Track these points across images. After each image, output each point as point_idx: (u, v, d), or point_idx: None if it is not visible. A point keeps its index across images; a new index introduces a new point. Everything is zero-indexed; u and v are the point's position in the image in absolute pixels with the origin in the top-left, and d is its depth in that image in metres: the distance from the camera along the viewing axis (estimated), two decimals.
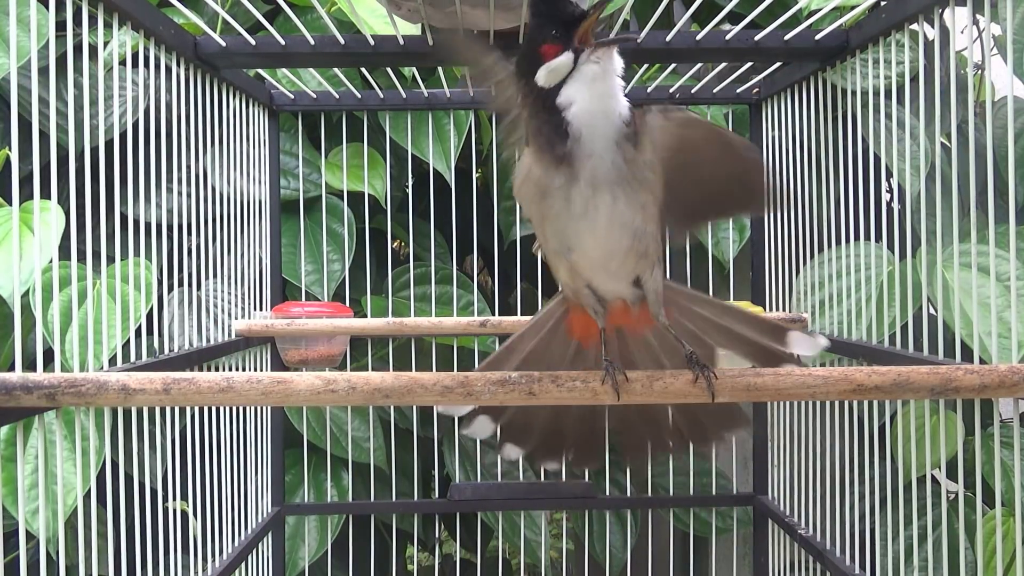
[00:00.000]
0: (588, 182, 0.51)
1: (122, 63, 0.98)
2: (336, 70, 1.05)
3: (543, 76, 0.51)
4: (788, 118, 1.01)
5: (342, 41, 0.80)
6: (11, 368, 0.55)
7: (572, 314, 0.61)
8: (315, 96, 1.09)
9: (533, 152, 0.52)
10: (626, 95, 0.52)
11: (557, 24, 0.51)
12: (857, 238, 0.90)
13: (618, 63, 0.52)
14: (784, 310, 1.04)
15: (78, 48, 0.64)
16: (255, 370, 1.04)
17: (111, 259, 1.08)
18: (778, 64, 1.01)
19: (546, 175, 0.52)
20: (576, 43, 0.51)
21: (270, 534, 1.08)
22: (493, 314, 1.30)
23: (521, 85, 0.52)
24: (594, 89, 0.51)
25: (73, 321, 0.69)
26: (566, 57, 0.51)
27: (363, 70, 1.15)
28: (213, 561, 0.91)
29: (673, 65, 1.10)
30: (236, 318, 1.00)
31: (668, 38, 0.81)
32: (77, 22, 0.63)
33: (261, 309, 1.06)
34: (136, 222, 0.78)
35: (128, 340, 0.77)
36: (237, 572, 0.94)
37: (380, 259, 1.29)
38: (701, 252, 1.26)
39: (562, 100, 0.51)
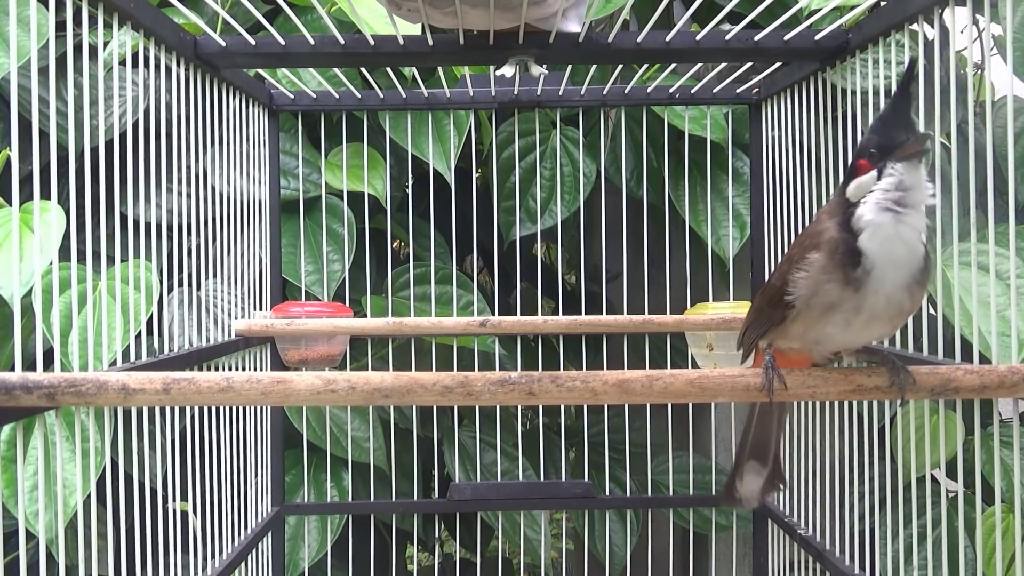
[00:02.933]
0: (869, 313, 0.52)
1: (122, 63, 0.98)
2: (336, 70, 1.05)
3: (852, 189, 0.52)
4: (788, 118, 1.01)
5: (342, 41, 0.80)
6: (11, 368, 0.55)
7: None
8: (315, 96, 1.09)
9: (828, 257, 0.52)
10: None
11: (880, 142, 0.52)
12: None
13: (929, 192, 0.51)
14: None
15: (78, 48, 0.64)
16: (255, 370, 1.04)
17: (111, 259, 1.08)
18: (778, 64, 1.01)
19: (838, 293, 0.52)
20: (883, 164, 0.51)
21: (270, 534, 1.08)
22: (493, 314, 1.30)
23: (842, 184, 0.53)
24: (885, 211, 0.51)
25: (74, 324, 0.69)
26: (871, 175, 0.51)
27: (363, 70, 1.15)
28: (213, 561, 0.91)
29: (673, 65, 1.10)
30: (236, 318, 1.00)
31: (668, 38, 0.81)
32: (77, 22, 0.63)
33: (261, 309, 1.06)
34: (136, 222, 0.78)
35: (129, 339, 0.77)
36: (237, 572, 0.94)
37: (380, 259, 1.29)
38: (701, 251, 1.26)
39: (856, 222, 0.51)
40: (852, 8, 0.85)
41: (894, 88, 0.56)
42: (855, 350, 0.59)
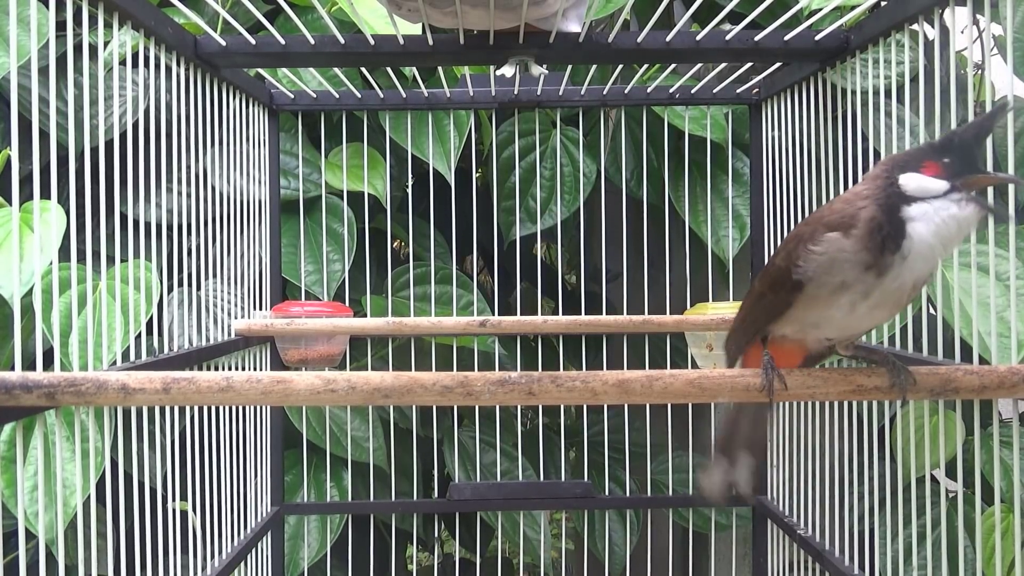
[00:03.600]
0: (878, 299, 0.53)
1: (122, 63, 0.98)
2: (336, 70, 1.05)
3: (913, 184, 0.52)
4: (788, 118, 1.01)
5: (342, 41, 0.80)
6: (11, 368, 0.55)
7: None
8: (315, 96, 1.09)
9: (858, 237, 0.53)
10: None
11: (957, 157, 0.52)
12: None
13: (978, 212, 0.52)
14: None
15: (78, 48, 0.64)
16: (255, 370, 1.04)
17: (111, 259, 1.08)
18: (778, 64, 1.01)
19: (859, 273, 0.53)
20: (959, 182, 0.52)
21: (270, 534, 1.08)
22: (493, 314, 1.30)
23: (884, 171, 0.54)
24: (944, 225, 0.52)
25: (74, 324, 0.69)
26: (942, 183, 0.52)
27: (363, 70, 1.15)
28: (213, 561, 0.91)
29: (673, 65, 1.10)
30: (236, 318, 1.00)
31: (668, 38, 0.81)
32: (77, 22, 0.63)
33: (261, 309, 1.06)
34: (136, 222, 0.78)
35: (128, 341, 0.77)
36: (237, 572, 0.94)
37: (380, 259, 1.29)
38: (701, 251, 1.26)
39: (913, 212, 0.52)
40: (852, 8, 0.85)
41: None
42: (848, 341, 0.59)
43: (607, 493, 1.33)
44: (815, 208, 0.99)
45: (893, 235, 0.52)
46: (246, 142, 1.01)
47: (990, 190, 0.60)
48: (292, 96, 1.08)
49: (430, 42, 0.79)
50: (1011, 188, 0.94)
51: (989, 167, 0.62)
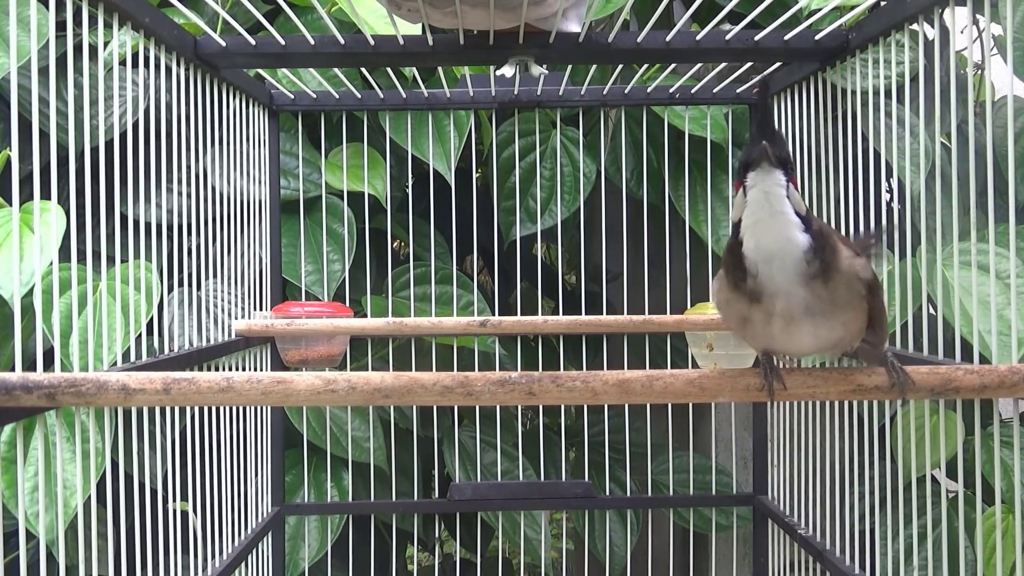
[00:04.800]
0: (783, 315, 0.53)
1: (122, 63, 0.98)
2: (336, 70, 1.05)
3: (733, 212, 0.54)
4: (788, 118, 1.01)
5: (342, 41, 0.80)
6: (11, 368, 0.55)
7: None
8: (315, 96, 1.09)
9: (722, 278, 0.54)
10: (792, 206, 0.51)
11: (742, 163, 0.53)
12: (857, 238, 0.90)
13: (777, 182, 0.52)
14: None
15: (78, 48, 0.64)
16: (255, 370, 1.04)
17: (111, 259, 1.08)
18: (778, 64, 1.01)
19: (742, 307, 0.54)
20: (745, 183, 0.52)
21: (270, 534, 1.08)
22: (493, 314, 1.30)
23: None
24: (759, 223, 0.52)
25: (74, 325, 0.69)
26: (739, 195, 0.53)
27: (363, 70, 1.15)
28: (213, 561, 0.91)
29: (673, 65, 1.10)
30: (236, 318, 1.00)
31: (668, 38, 0.81)
32: (77, 22, 0.63)
33: (261, 309, 1.06)
34: (136, 222, 0.78)
35: (129, 343, 0.77)
36: (237, 572, 0.94)
37: (380, 259, 1.29)
38: (701, 251, 1.26)
39: (741, 235, 0.52)
40: (852, 8, 0.85)
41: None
42: (815, 353, 0.59)
43: (607, 493, 1.33)
44: (815, 207, 0.99)
45: (738, 263, 0.52)
46: (246, 142, 1.01)
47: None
48: (292, 96, 1.08)
49: (430, 42, 0.79)
50: (1010, 186, 0.94)
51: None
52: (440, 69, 1.05)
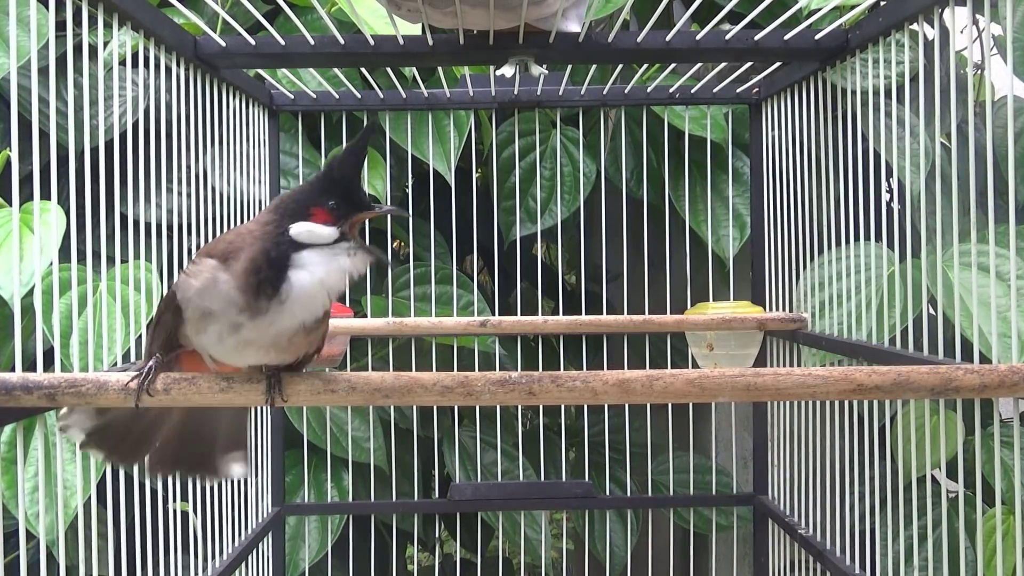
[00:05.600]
0: (252, 336, 0.53)
1: (122, 63, 0.98)
2: (336, 70, 1.05)
3: (303, 232, 0.53)
4: (788, 118, 1.01)
5: (342, 41, 0.80)
6: (12, 369, 0.55)
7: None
8: (315, 96, 1.09)
9: (237, 273, 0.52)
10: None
11: (340, 198, 0.53)
12: (857, 238, 0.90)
13: (366, 259, 0.55)
14: (784, 310, 1.04)
15: (78, 48, 0.64)
16: None
17: (111, 260, 1.08)
18: (778, 64, 1.01)
19: (228, 304, 0.52)
20: (347, 228, 0.53)
21: (270, 534, 1.08)
22: (493, 314, 1.30)
23: (273, 218, 0.54)
24: (331, 275, 0.53)
25: (74, 326, 0.69)
26: (331, 231, 0.53)
27: (363, 70, 1.15)
28: (213, 561, 0.91)
29: (673, 65, 1.10)
30: None
31: (668, 38, 0.81)
32: (77, 22, 0.63)
33: None
34: (136, 222, 0.78)
35: (129, 344, 0.77)
36: (237, 572, 0.94)
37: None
38: (701, 252, 1.26)
39: (303, 259, 0.53)
40: (852, 8, 0.85)
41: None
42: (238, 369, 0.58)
43: (607, 493, 1.33)
44: (815, 207, 0.99)
45: (272, 280, 0.52)
46: (246, 142, 1.01)
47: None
48: (292, 96, 1.08)
49: (430, 42, 0.79)
50: (1010, 186, 0.94)
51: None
52: (440, 69, 1.05)
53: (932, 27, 0.71)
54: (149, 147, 0.78)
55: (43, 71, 1.14)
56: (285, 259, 0.52)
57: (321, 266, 0.53)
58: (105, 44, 0.85)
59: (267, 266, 0.52)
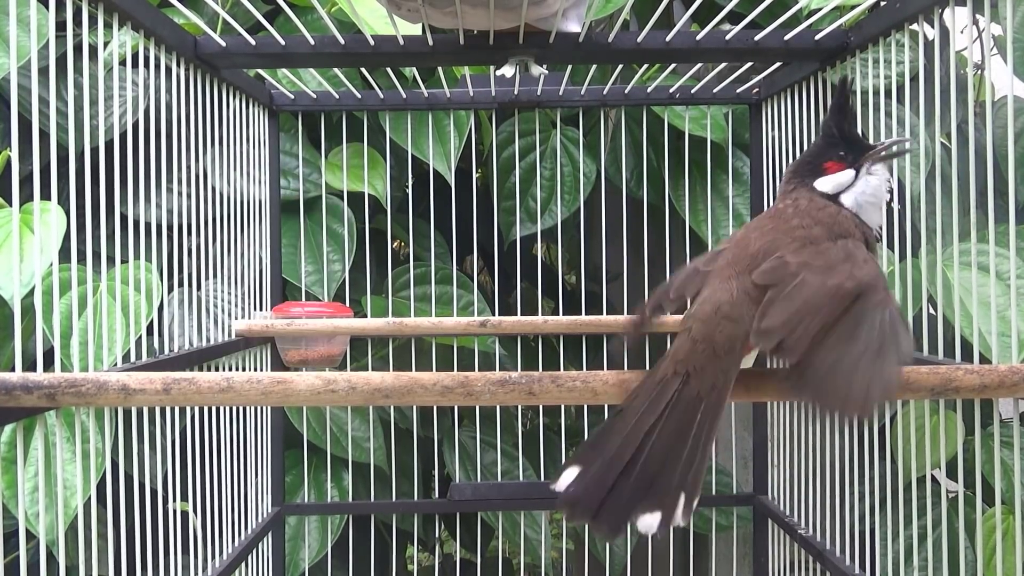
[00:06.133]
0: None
1: (122, 63, 0.98)
2: (336, 70, 1.05)
3: (828, 185, 0.60)
4: (788, 118, 1.01)
5: (342, 41, 0.80)
6: (12, 369, 0.55)
7: None
8: (315, 96, 1.09)
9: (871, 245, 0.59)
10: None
11: (843, 147, 0.61)
12: None
13: (885, 179, 0.62)
14: None
15: (78, 48, 0.64)
16: (255, 370, 1.04)
17: (111, 260, 1.08)
18: (778, 64, 1.00)
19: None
20: (858, 164, 0.61)
21: (270, 534, 1.08)
22: (493, 314, 1.30)
23: (798, 183, 0.61)
24: (877, 204, 0.61)
25: (74, 326, 0.69)
26: (849, 172, 0.60)
27: (363, 70, 1.15)
28: (213, 561, 0.91)
29: (673, 65, 1.10)
30: (236, 318, 1.00)
31: (668, 38, 0.81)
32: (77, 22, 0.63)
33: (261, 309, 1.06)
34: (136, 222, 0.78)
35: (129, 344, 0.77)
36: (237, 572, 0.94)
37: (380, 259, 1.29)
38: (701, 251, 1.25)
39: (844, 201, 0.60)
40: (852, 8, 0.85)
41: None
42: None
43: None
44: None
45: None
46: (246, 142, 1.01)
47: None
48: (292, 96, 1.08)
49: (430, 42, 0.79)
50: (1010, 186, 0.94)
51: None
52: (440, 69, 1.05)
53: (932, 27, 0.71)
54: (149, 147, 0.78)
55: (43, 71, 1.14)
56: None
57: (858, 198, 0.60)
58: (105, 44, 0.85)
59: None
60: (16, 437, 0.77)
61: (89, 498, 0.88)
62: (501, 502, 1.16)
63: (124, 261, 0.97)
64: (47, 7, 0.60)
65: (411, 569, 1.71)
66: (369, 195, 1.21)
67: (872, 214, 0.60)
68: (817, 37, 0.83)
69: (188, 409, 0.88)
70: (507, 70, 0.80)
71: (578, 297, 1.15)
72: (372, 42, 0.80)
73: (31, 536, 0.97)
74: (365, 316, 1.18)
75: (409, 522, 1.32)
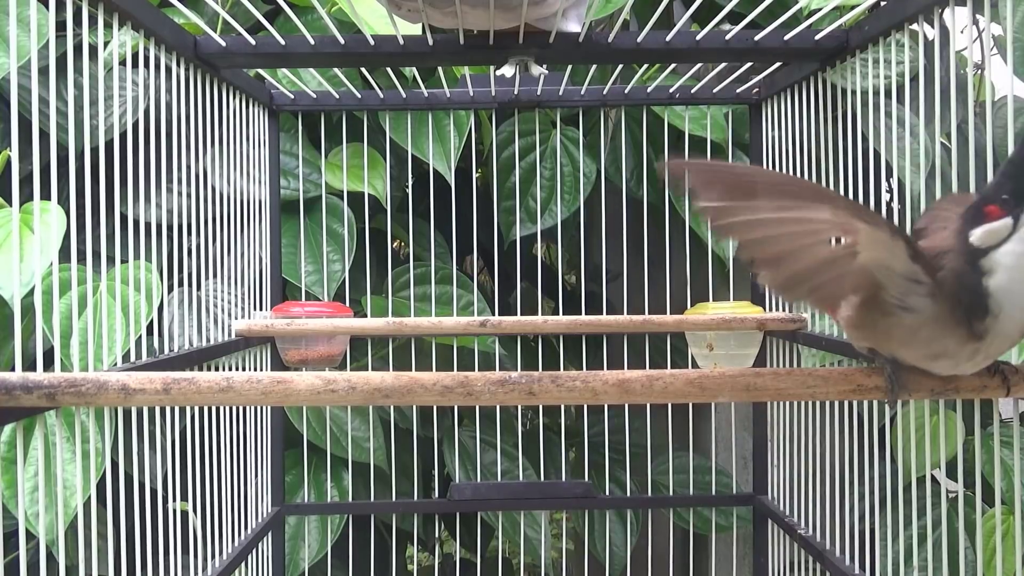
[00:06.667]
0: (990, 355, 0.49)
1: (122, 63, 0.98)
2: (336, 70, 1.05)
3: (980, 235, 0.48)
4: (788, 118, 1.01)
5: (342, 41, 0.80)
6: (12, 368, 0.55)
7: None
8: (315, 96, 1.09)
9: (938, 312, 0.48)
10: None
11: (1016, 189, 0.47)
12: None
13: None
14: (784, 310, 1.04)
15: (78, 48, 0.64)
16: (255, 370, 1.04)
17: (111, 260, 1.08)
18: (778, 64, 1.01)
19: (951, 342, 0.49)
20: (1019, 213, 0.47)
21: (270, 534, 1.08)
22: (493, 314, 1.30)
23: (958, 233, 0.49)
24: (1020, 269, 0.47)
25: (74, 326, 0.69)
26: (1005, 222, 0.47)
27: (363, 70, 1.15)
28: (213, 561, 0.91)
29: (673, 65, 1.10)
30: (236, 318, 1.00)
31: (668, 38, 0.81)
32: (77, 22, 0.63)
33: (261, 309, 1.06)
34: (136, 222, 0.78)
35: (129, 344, 0.77)
36: (237, 572, 0.94)
37: (380, 259, 1.29)
38: (701, 251, 1.26)
39: (986, 263, 0.47)
40: (852, 8, 0.85)
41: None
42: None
43: (607, 493, 1.33)
44: None
45: (974, 301, 0.48)
46: (246, 142, 1.01)
47: None
48: (292, 96, 1.08)
49: (430, 42, 0.79)
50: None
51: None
52: (440, 69, 1.05)
53: (932, 27, 0.71)
54: (149, 147, 0.78)
55: (43, 71, 1.14)
56: (974, 266, 0.47)
57: (1011, 255, 0.47)
58: (105, 44, 0.85)
59: (962, 285, 0.48)
60: (16, 437, 0.77)
61: (89, 498, 0.88)
62: (501, 502, 1.16)
63: (124, 261, 0.97)
64: (47, 7, 0.60)
65: (411, 569, 1.72)
66: (369, 195, 1.21)
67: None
68: (817, 37, 0.83)
69: (188, 409, 0.88)
70: (507, 70, 0.80)
71: (578, 297, 1.15)
72: (372, 42, 0.80)
73: (31, 536, 0.96)
74: (365, 316, 1.18)
75: (409, 522, 1.32)
